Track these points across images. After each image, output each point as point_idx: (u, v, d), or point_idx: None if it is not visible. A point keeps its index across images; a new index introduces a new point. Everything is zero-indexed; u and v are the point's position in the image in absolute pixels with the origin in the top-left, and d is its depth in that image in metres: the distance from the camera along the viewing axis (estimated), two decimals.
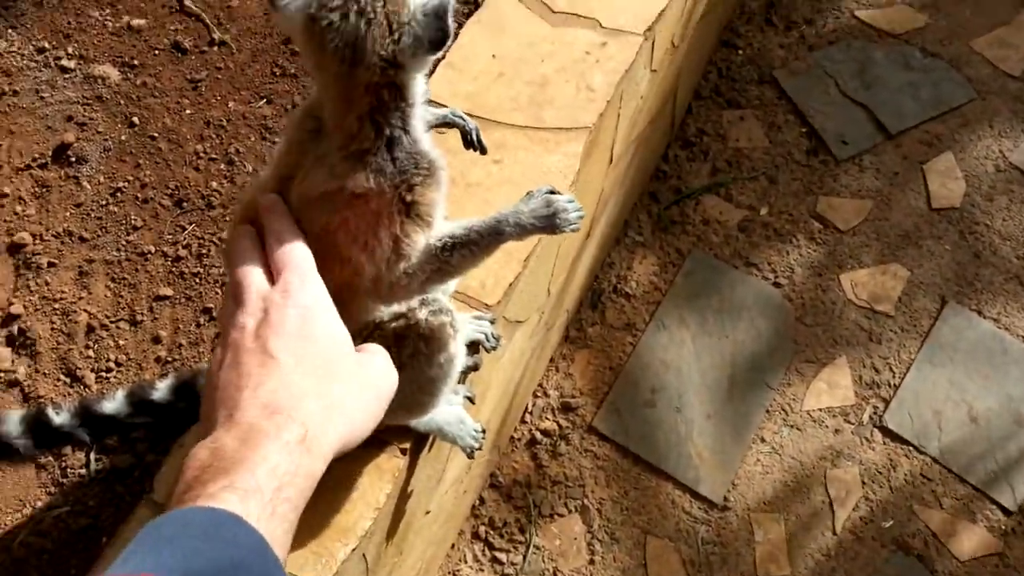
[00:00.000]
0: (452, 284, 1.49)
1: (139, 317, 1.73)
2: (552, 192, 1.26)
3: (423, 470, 1.64)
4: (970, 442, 2.41)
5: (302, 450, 0.78)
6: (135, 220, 1.82)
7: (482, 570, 2.28)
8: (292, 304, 0.89)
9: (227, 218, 1.83)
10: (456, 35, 1.86)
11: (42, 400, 1.67)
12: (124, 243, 1.80)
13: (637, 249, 2.70)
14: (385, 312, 1.28)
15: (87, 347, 1.72)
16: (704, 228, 2.73)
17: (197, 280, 1.77)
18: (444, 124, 1.46)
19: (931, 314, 2.60)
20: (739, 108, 2.93)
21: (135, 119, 1.93)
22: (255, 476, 0.74)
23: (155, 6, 2.06)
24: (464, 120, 1.45)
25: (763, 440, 2.44)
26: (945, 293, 2.62)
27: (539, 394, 2.49)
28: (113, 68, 1.98)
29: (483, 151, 1.47)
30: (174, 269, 1.77)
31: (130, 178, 1.86)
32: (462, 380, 1.60)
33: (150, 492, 1.42)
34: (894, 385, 2.51)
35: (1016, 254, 2.68)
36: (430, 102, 1.40)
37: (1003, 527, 2.32)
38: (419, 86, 1.14)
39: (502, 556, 2.30)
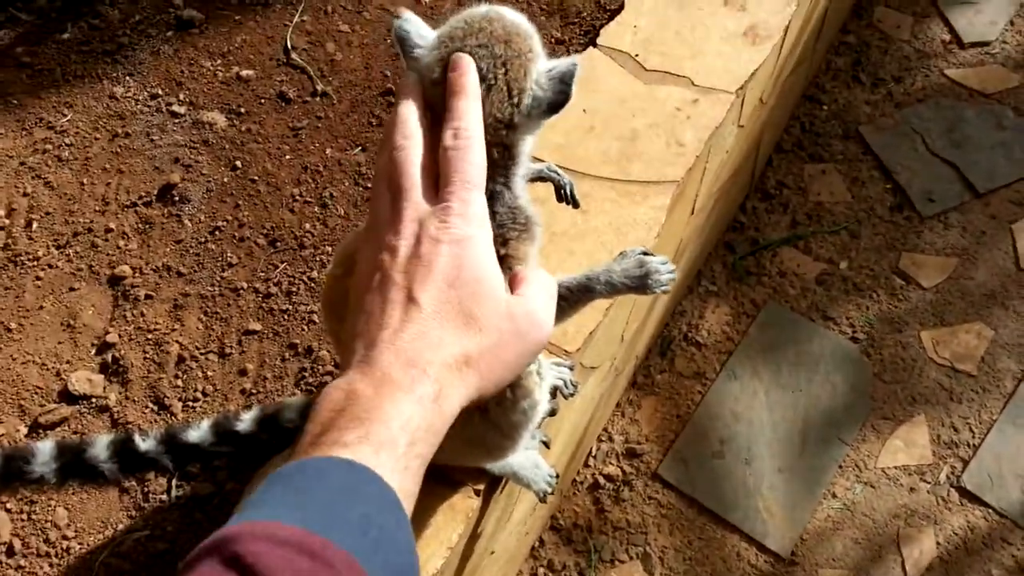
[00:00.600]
0: None
1: (228, 350, 1.82)
2: (645, 253, 1.26)
3: (494, 512, 1.68)
4: None
5: (435, 408, 0.77)
6: (231, 257, 1.93)
7: None
8: (447, 239, 0.83)
9: (318, 258, 1.92)
10: None
11: (130, 426, 1.74)
12: (219, 279, 1.91)
13: (710, 299, 2.70)
14: None
15: (176, 377, 1.80)
16: (780, 280, 2.71)
17: (285, 316, 1.86)
18: (539, 178, 1.47)
19: (1015, 375, 2.53)
20: (822, 162, 2.92)
21: (238, 163, 2.05)
22: (390, 429, 0.73)
23: (263, 58, 2.19)
24: (559, 175, 1.47)
25: (835, 496, 2.40)
26: None
27: (603, 439, 2.51)
28: (220, 115, 2.12)
29: (575, 205, 1.48)
30: (264, 305, 1.87)
31: (229, 218, 1.97)
32: (539, 424, 1.63)
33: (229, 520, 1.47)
34: (974, 445, 2.44)
35: None
36: None
37: None
38: (528, 145, 1.14)
39: None
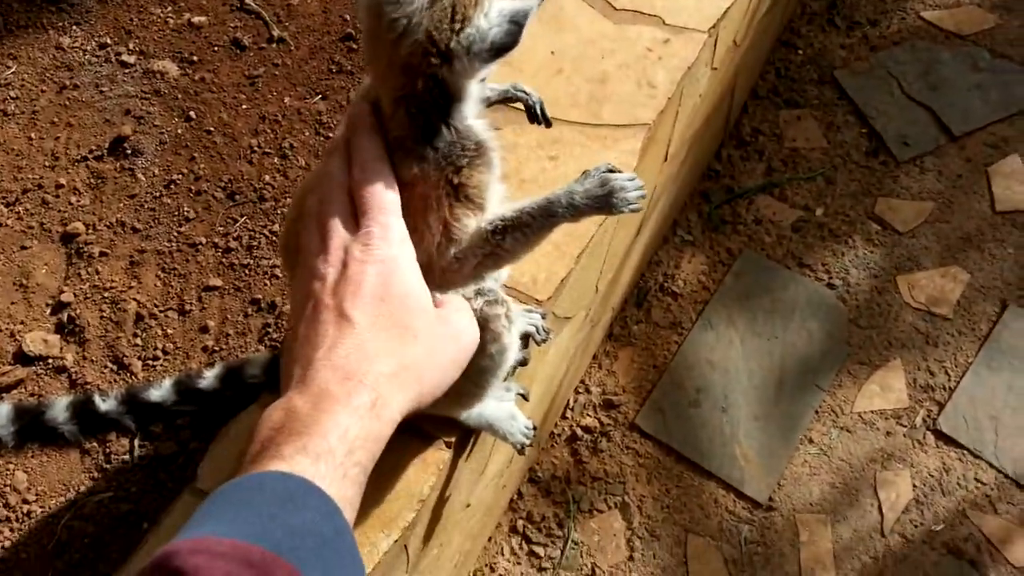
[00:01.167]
0: (504, 273, 1.48)
1: (188, 307, 1.77)
2: (611, 171, 1.20)
3: (467, 464, 1.65)
4: None
5: (372, 416, 0.80)
6: (188, 212, 1.87)
7: (519, 563, 2.29)
8: (372, 260, 0.89)
9: (279, 211, 1.86)
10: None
11: (89, 387, 1.70)
12: (176, 234, 1.85)
13: (685, 248, 2.67)
14: None
15: (135, 335, 1.75)
16: (756, 228, 2.68)
17: (247, 271, 1.80)
18: (506, 99, 1.41)
19: (991, 318, 2.52)
20: (797, 108, 2.87)
21: (192, 113, 1.98)
22: (327, 440, 0.76)
23: (216, 4, 2.11)
24: (528, 94, 1.41)
25: (811, 441, 2.40)
26: (1006, 297, 2.54)
27: (581, 390, 2.49)
28: (172, 63, 2.03)
29: (548, 124, 1.43)
30: (224, 260, 1.81)
31: (184, 171, 1.90)
32: (511, 374, 1.59)
33: (193, 480, 1.44)
34: (949, 389, 2.44)
35: None
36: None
37: None
38: (469, 92, 1.10)
39: (539, 550, 2.31)
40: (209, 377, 1.58)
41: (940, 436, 2.38)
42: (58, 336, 1.74)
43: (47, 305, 1.77)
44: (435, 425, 1.51)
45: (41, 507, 1.57)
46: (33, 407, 1.55)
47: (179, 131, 1.95)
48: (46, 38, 2.08)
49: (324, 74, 2.02)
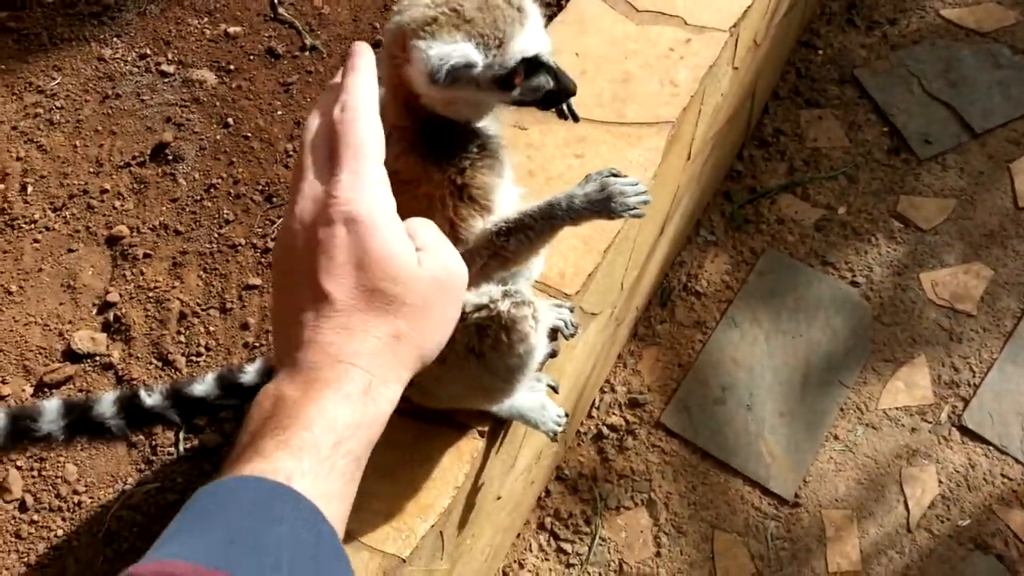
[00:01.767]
0: (536, 271, 1.51)
1: (229, 305, 1.83)
2: (613, 175, 1.21)
3: (498, 457, 1.69)
4: None
5: (367, 400, 0.74)
6: (227, 214, 1.93)
7: (547, 559, 2.32)
8: (342, 220, 0.77)
9: None
10: None
11: (135, 382, 1.75)
12: (216, 236, 1.91)
13: (709, 248, 2.70)
14: (468, 303, 1.29)
15: (179, 333, 1.81)
16: (779, 227, 2.71)
17: None
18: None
19: (1015, 314, 2.53)
20: (818, 108, 2.90)
21: (230, 120, 2.04)
22: (312, 432, 0.70)
23: (251, 14, 2.18)
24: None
25: (836, 438, 2.42)
26: None
27: (606, 390, 2.52)
28: (210, 72, 2.11)
29: (575, 119, 1.44)
30: (263, 260, 1.87)
31: (223, 175, 1.97)
32: (541, 366, 1.63)
33: None
34: (974, 385, 2.45)
35: None
36: None
37: None
38: (460, 111, 1.12)
39: (567, 547, 2.34)
40: (250, 372, 1.64)
41: (965, 432, 2.39)
42: (105, 334, 1.80)
43: (94, 305, 1.84)
44: (468, 416, 1.56)
45: (91, 498, 1.63)
46: (81, 402, 1.61)
47: (218, 137, 2.02)
48: (88, 50, 2.16)
49: None
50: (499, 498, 1.90)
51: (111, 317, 1.82)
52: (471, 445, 1.55)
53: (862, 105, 2.90)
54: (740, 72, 2.26)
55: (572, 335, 1.64)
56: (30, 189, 1.98)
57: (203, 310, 1.82)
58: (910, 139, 2.81)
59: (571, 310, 1.64)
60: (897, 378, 2.48)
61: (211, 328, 1.80)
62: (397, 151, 1.10)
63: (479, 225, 1.16)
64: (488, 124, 1.20)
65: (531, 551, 2.34)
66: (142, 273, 1.87)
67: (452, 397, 1.45)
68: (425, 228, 0.85)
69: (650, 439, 2.45)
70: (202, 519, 0.67)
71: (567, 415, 1.62)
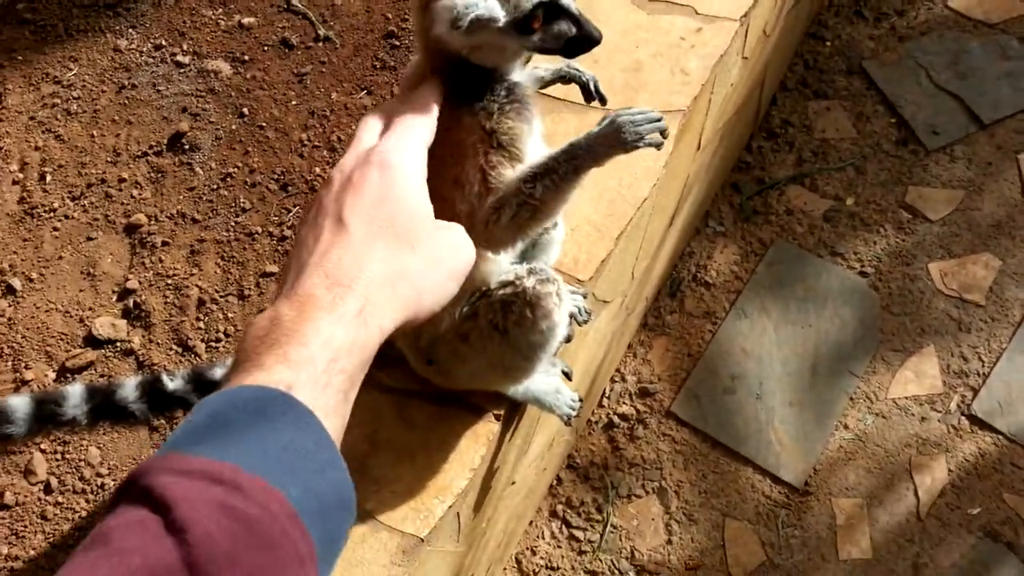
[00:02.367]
0: (553, 255, 1.52)
1: (246, 292, 1.85)
2: (625, 109, 1.19)
3: (512, 441, 1.71)
4: None
5: (359, 322, 0.77)
6: (244, 203, 1.95)
7: (559, 547, 2.34)
8: (378, 164, 0.87)
9: None
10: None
11: (156, 368, 1.78)
12: (233, 224, 1.93)
13: (718, 239, 2.72)
14: (493, 279, 1.31)
15: (198, 319, 1.83)
16: (788, 218, 2.73)
17: None
18: (559, 79, 1.44)
19: (1023, 304, 2.54)
20: (826, 99, 2.92)
21: (245, 110, 2.06)
22: (308, 348, 0.73)
23: (264, 5, 2.20)
24: (580, 71, 1.43)
25: (846, 427, 2.44)
26: None
27: (617, 379, 2.54)
28: (225, 63, 2.13)
29: (603, 101, 1.44)
30: (279, 248, 1.89)
31: (239, 164, 1.99)
32: (556, 352, 1.65)
33: None
34: (983, 374, 2.47)
35: None
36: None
37: None
38: (493, 59, 1.13)
39: (579, 534, 2.36)
40: None
41: (975, 421, 2.41)
42: (125, 321, 1.82)
43: (113, 292, 1.86)
44: (484, 399, 1.58)
45: (114, 480, 1.65)
46: (104, 387, 1.63)
47: (233, 127, 2.04)
48: (104, 41, 2.18)
49: (368, 70, 2.10)
50: (513, 483, 1.92)
51: (131, 304, 1.84)
52: (487, 428, 1.57)
53: (870, 96, 2.91)
54: (750, 62, 2.28)
55: (585, 321, 1.66)
56: (49, 178, 2.00)
57: (221, 297, 1.84)
58: (918, 130, 2.83)
59: (584, 296, 1.66)
60: (906, 368, 2.49)
61: (229, 315, 1.82)
62: None
63: (509, 174, 1.16)
64: (519, 76, 1.20)
65: (543, 538, 2.36)
66: (160, 261, 1.89)
67: (471, 376, 1.47)
68: (453, 223, 0.93)
69: (660, 428, 2.47)
70: (205, 426, 0.68)
71: (581, 400, 1.64)
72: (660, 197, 1.95)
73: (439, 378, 1.50)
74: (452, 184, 1.13)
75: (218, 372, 1.64)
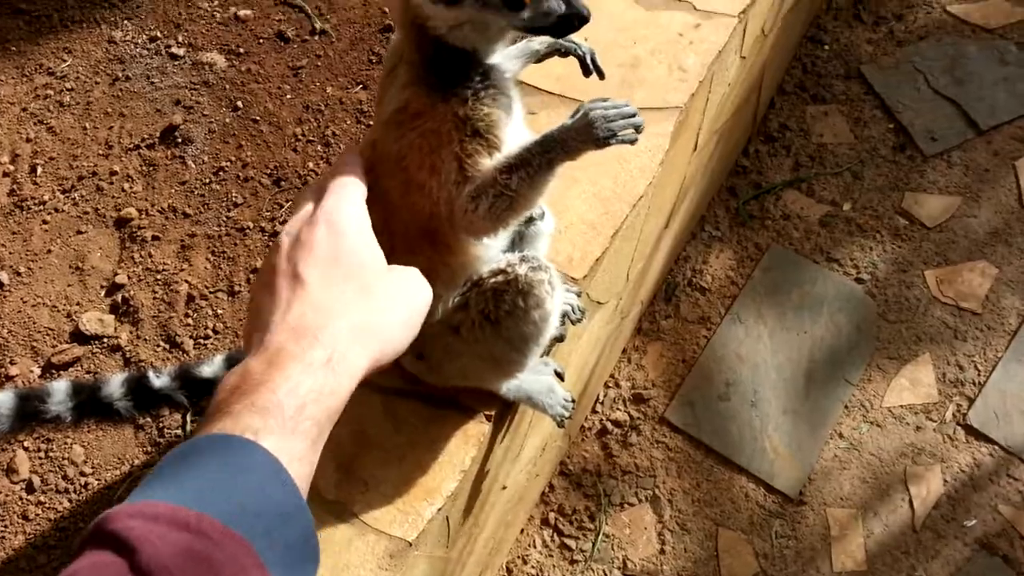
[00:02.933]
0: (542, 249, 1.49)
1: (236, 288, 1.82)
2: (602, 100, 1.15)
3: (503, 445, 1.69)
4: None
5: (327, 370, 0.80)
6: (235, 197, 1.93)
7: (551, 556, 2.31)
8: (324, 222, 0.91)
9: None
10: None
11: (142, 364, 1.76)
12: (224, 219, 1.91)
13: (713, 244, 2.70)
14: (484, 268, 1.29)
15: (186, 315, 1.81)
16: (784, 223, 2.71)
17: None
18: (555, 52, 1.40)
19: (1020, 313, 2.53)
20: (824, 103, 2.91)
21: (239, 103, 2.04)
22: (276, 395, 0.75)
23: None
24: (577, 44, 1.39)
25: (841, 436, 2.41)
26: None
27: (610, 385, 2.51)
28: (220, 55, 2.11)
29: (601, 75, 1.40)
30: (270, 243, 1.87)
31: (232, 158, 1.97)
32: (547, 352, 1.62)
33: None
34: (979, 383, 2.45)
35: None
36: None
37: None
38: (473, 41, 1.10)
39: (571, 543, 2.33)
40: None
41: (970, 431, 2.39)
42: (113, 316, 1.80)
43: (102, 287, 1.84)
44: (475, 399, 1.56)
45: (98, 479, 1.62)
46: (90, 384, 1.61)
47: (227, 120, 2.02)
48: (99, 32, 2.16)
49: (364, 65, 2.08)
50: (504, 487, 1.90)
51: (119, 299, 1.82)
52: (478, 429, 1.54)
53: (868, 101, 2.90)
54: (747, 62, 2.26)
55: (579, 320, 1.63)
56: (39, 171, 1.98)
57: (211, 293, 1.81)
58: (916, 136, 2.81)
59: (578, 295, 1.63)
60: (902, 376, 2.48)
61: (219, 311, 1.79)
62: (405, 80, 1.11)
63: (486, 162, 1.13)
64: (500, 60, 1.17)
65: (535, 547, 2.33)
66: (150, 255, 1.86)
67: (462, 372, 1.44)
68: (408, 267, 0.96)
69: (654, 435, 2.45)
70: (177, 472, 0.71)
71: (574, 400, 1.62)
72: (656, 197, 1.93)
73: (430, 375, 1.47)
74: (429, 172, 1.11)
75: (205, 370, 1.62)
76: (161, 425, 1.68)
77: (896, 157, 2.80)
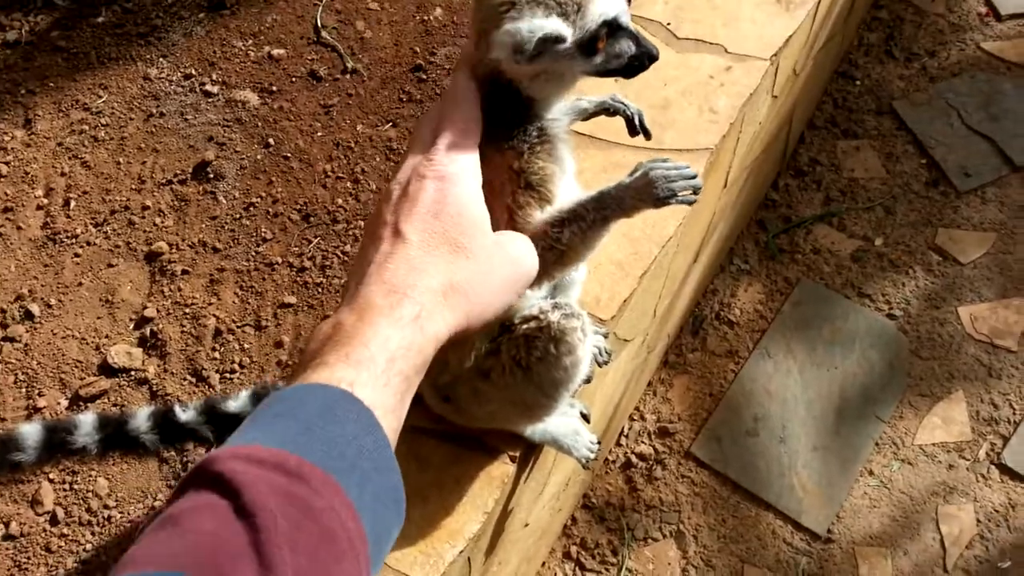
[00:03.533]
0: (575, 293, 1.49)
1: (264, 323, 1.84)
2: (660, 161, 1.16)
3: (527, 483, 1.68)
4: None
5: (415, 327, 0.81)
6: (265, 233, 1.95)
7: None
8: (431, 175, 0.90)
9: (351, 233, 1.94)
10: None
11: (169, 398, 1.77)
12: (253, 254, 1.93)
13: (742, 277, 2.68)
14: (516, 315, 1.28)
15: (213, 350, 1.83)
16: (815, 258, 2.68)
17: (320, 290, 1.87)
18: (603, 111, 1.40)
19: None
20: (855, 138, 2.88)
21: (270, 140, 2.07)
22: (368, 348, 0.77)
23: (294, 37, 2.22)
24: (625, 104, 1.39)
25: (871, 473, 2.37)
26: None
27: (635, 417, 2.49)
28: (253, 93, 2.14)
29: (648, 136, 1.41)
30: (299, 279, 1.89)
31: (263, 194, 1.99)
32: (573, 393, 1.61)
33: None
34: (1014, 422, 2.40)
35: None
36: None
37: None
38: (538, 90, 1.11)
39: None
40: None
41: (1005, 470, 2.34)
42: (141, 349, 1.82)
43: (131, 320, 1.86)
44: (500, 440, 1.55)
45: (121, 512, 1.64)
46: (116, 417, 1.63)
47: (258, 157, 2.05)
48: (135, 69, 2.20)
49: (395, 103, 2.10)
50: (527, 525, 1.89)
51: (148, 332, 1.84)
52: (502, 470, 1.53)
53: (900, 137, 2.87)
54: (779, 101, 2.26)
55: (605, 362, 1.62)
56: (73, 204, 2.02)
57: (238, 327, 1.83)
58: (949, 171, 2.78)
59: (605, 336, 1.63)
60: (934, 413, 2.43)
61: (246, 345, 1.81)
62: None
63: (537, 215, 1.13)
64: (556, 114, 1.18)
65: None
66: (180, 289, 1.89)
67: (490, 415, 1.44)
68: (517, 234, 0.96)
69: (680, 469, 2.42)
70: (275, 418, 0.72)
71: (599, 442, 1.61)
72: (685, 235, 1.93)
73: (456, 416, 1.47)
74: None
75: (231, 404, 1.63)
76: (186, 459, 1.69)
77: (929, 193, 2.77)
